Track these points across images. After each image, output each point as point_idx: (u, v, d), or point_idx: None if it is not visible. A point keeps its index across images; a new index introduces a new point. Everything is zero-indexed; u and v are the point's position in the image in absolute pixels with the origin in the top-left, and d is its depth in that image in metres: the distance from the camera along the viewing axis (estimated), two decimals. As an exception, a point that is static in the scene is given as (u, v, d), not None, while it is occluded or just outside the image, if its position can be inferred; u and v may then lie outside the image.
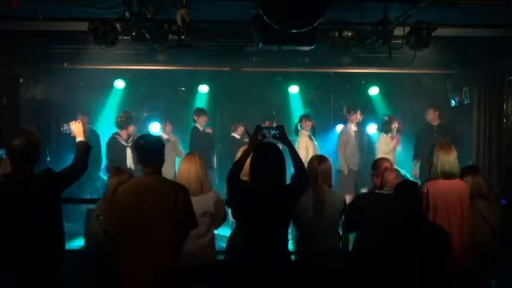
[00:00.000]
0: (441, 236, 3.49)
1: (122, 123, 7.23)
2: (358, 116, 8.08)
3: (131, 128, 7.31)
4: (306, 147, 7.69)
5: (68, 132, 3.87)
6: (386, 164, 4.13)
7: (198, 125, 8.21)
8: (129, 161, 7.20)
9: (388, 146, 7.65)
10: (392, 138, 7.70)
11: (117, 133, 7.28)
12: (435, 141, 6.30)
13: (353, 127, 8.07)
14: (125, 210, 3.17)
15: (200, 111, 8.33)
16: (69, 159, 3.68)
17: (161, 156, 3.37)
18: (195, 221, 3.35)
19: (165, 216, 3.15)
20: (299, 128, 8.14)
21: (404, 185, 3.73)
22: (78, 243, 6.51)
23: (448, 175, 4.11)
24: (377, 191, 4.08)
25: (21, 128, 5.51)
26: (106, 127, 7.95)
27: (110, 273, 3.53)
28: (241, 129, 8.27)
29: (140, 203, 3.15)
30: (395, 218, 3.77)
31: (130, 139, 7.25)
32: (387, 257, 3.54)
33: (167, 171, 7.44)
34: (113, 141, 7.16)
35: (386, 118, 8.02)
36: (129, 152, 7.19)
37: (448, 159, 4.13)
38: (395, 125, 7.73)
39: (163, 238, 3.15)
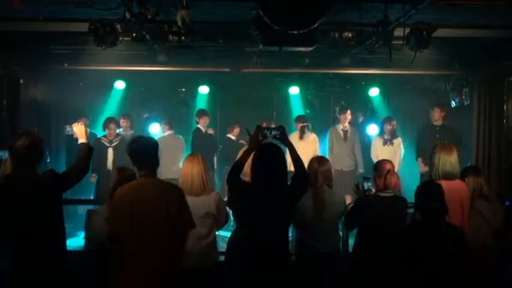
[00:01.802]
0: (460, 237, 3.46)
1: (103, 126, 7.54)
2: (348, 116, 8.04)
3: (112, 128, 7.49)
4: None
5: (70, 133, 3.88)
6: (388, 166, 4.09)
7: (200, 126, 8.21)
8: (109, 163, 7.34)
9: (381, 150, 7.65)
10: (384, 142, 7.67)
11: (104, 135, 7.52)
12: (437, 141, 6.30)
13: (341, 128, 8.02)
14: (120, 213, 3.19)
15: (202, 112, 8.33)
16: (69, 160, 3.70)
17: (155, 159, 3.34)
18: (192, 222, 3.33)
19: (158, 218, 3.16)
20: (293, 129, 8.14)
21: (427, 185, 3.70)
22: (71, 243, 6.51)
23: (449, 176, 4.13)
24: (379, 194, 4.06)
25: (24, 129, 5.51)
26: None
27: (110, 274, 3.54)
28: (237, 130, 8.26)
29: (133, 205, 3.16)
30: (398, 220, 3.77)
31: (116, 139, 7.47)
32: (387, 260, 3.54)
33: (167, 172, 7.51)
34: (95, 142, 7.22)
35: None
36: (110, 152, 7.34)
37: (450, 160, 4.16)
38: (388, 127, 7.72)
39: (158, 239, 3.16)
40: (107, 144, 7.43)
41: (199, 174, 3.96)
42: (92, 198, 7.33)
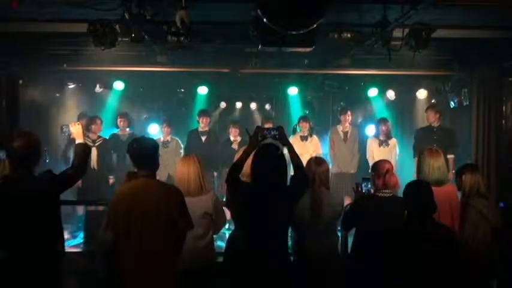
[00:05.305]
0: (448, 237, 3.46)
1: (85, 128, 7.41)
2: (348, 117, 8.03)
3: (96, 129, 7.48)
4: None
5: (67, 134, 3.88)
6: (387, 166, 4.09)
7: (200, 126, 8.20)
8: (93, 161, 7.35)
9: (377, 151, 7.64)
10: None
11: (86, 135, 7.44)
12: (434, 142, 6.25)
13: (341, 129, 8.03)
14: (119, 213, 3.20)
15: (200, 113, 8.31)
16: (68, 161, 3.70)
17: (155, 159, 3.38)
18: (191, 223, 3.35)
19: (157, 218, 3.18)
20: (298, 129, 8.14)
21: (416, 183, 3.70)
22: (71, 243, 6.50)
23: (437, 182, 4.12)
24: (378, 194, 4.06)
25: (20, 130, 5.51)
26: (105, 128, 7.95)
27: (111, 274, 3.54)
28: (231, 130, 8.30)
29: (132, 206, 3.18)
30: (397, 220, 3.76)
31: (99, 139, 7.50)
32: (387, 260, 3.53)
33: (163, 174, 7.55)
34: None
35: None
36: (94, 151, 7.29)
37: (438, 165, 4.17)
38: (383, 128, 7.71)
39: (157, 239, 3.18)
40: (90, 144, 7.29)
41: (195, 175, 3.95)
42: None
